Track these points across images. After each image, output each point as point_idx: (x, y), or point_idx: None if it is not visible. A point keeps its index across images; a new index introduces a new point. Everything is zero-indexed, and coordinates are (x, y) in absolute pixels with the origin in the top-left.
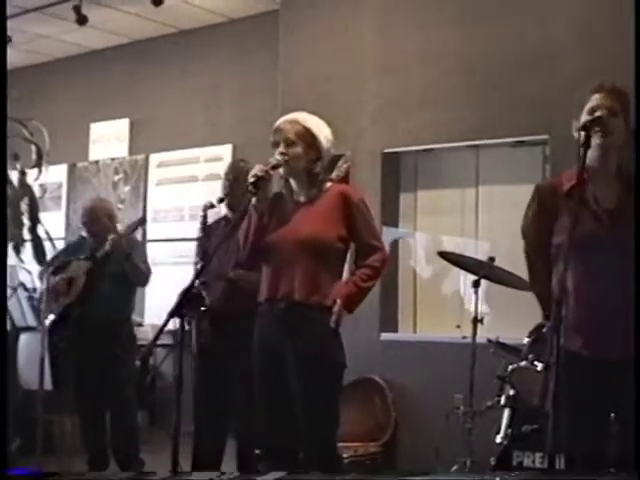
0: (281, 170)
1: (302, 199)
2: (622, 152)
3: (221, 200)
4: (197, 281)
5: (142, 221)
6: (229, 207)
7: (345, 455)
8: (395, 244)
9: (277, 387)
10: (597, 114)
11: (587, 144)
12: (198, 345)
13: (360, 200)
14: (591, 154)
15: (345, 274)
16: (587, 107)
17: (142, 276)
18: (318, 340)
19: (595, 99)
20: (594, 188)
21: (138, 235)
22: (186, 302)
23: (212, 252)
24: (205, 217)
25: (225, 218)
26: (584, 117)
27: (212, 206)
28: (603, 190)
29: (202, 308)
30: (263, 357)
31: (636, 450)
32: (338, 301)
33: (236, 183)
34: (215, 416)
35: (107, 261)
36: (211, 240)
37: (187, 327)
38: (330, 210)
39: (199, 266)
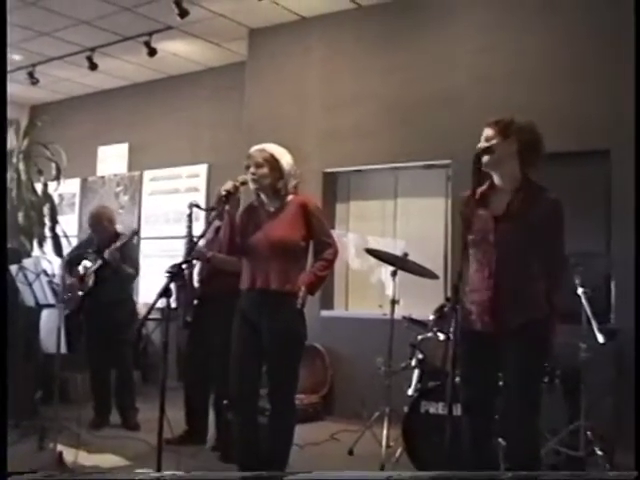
0: (252, 186)
1: (271, 209)
2: (511, 166)
3: (211, 209)
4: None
5: (134, 233)
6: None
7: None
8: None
9: (252, 353)
10: (481, 144)
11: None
12: (183, 318)
13: (315, 207)
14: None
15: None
16: (482, 137)
17: (130, 277)
18: (288, 319)
19: (484, 131)
20: (495, 198)
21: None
22: (172, 273)
23: (197, 239)
24: (191, 212)
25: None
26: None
27: (197, 206)
28: (501, 199)
29: (182, 280)
30: (243, 330)
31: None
32: (302, 288)
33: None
34: (200, 376)
35: (105, 266)
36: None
37: (175, 305)
38: (293, 217)
39: (187, 248)
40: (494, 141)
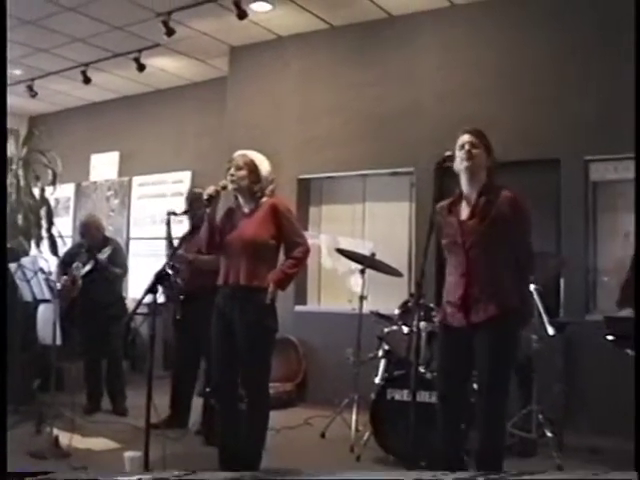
0: (230, 187)
1: (246, 211)
2: (483, 173)
3: (184, 212)
4: (168, 264)
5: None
6: (191, 219)
7: (270, 392)
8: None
9: (227, 344)
10: (466, 147)
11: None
12: (174, 315)
13: (286, 209)
14: (460, 177)
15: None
16: (458, 143)
17: (118, 278)
18: (257, 312)
19: (462, 137)
20: (463, 203)
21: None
22: (158, 279)
23: (177, 246)
24: (169, 219)
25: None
26: (456, 151)
27: (174, 213)
28: (468, 204)
29: (169, 284)
30: (218, 322)
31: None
32: (271, 284)
33: (194, 202)
34: (186, 366)
35: (95, 269)
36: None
37: (164, 301)
38: (265, 218)
39: (168, 253)
40: (478, 150)
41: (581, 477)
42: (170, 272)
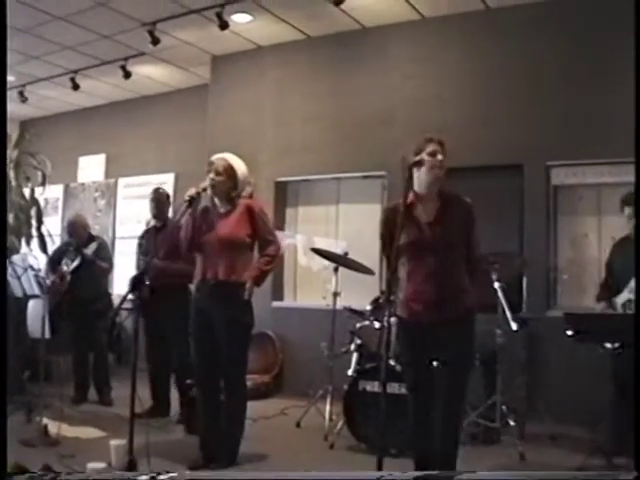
0: (209, 191)
1: (222, 211)
2: (442, 180)
3: (155, 217)
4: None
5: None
6: (155, 218)
7: (248, 383)
8: (282, 243)
9: (206, 338)
10: (439, 157)
11: (410, 175)
12: (143, 309)
13: (260, 209)
14: (423, 181)
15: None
16: (428, 150)
17: (105, 272)
18: (235, 307)
19: (432, 145)
20: (421, 206)
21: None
22: (135, 282)
23: (153, 251)
24: (149, 228)
25: (154, 227)
26: (425, 156)
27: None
28: (427, 207)
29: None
30: (198, 318)
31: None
32: (249, 281)
33: (158, 202)
34: (159, 357)
35: (82, 265)
36: (147, 241)
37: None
38: (240, 217)
39: (143, 261)
40: (445, 159)
41: (582, 477)
42: (145, 278)
